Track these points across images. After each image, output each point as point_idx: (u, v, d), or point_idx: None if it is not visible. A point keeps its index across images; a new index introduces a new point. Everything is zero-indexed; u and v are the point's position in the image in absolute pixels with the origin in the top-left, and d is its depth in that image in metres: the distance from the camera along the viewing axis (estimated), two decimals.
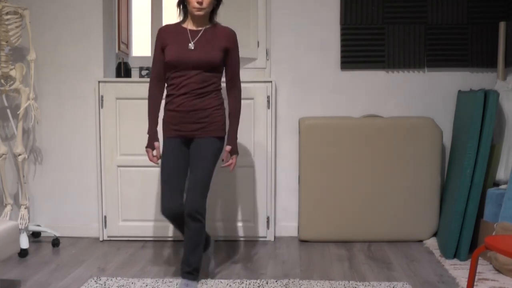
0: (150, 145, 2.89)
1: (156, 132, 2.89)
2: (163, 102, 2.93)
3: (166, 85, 2.87)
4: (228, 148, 2.87)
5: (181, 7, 2.86)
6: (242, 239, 3.84)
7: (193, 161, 2.80)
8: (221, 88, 2.88)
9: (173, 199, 2.77)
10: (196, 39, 2.79)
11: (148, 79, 3.74)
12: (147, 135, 2.90)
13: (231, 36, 2.84)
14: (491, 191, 3.36)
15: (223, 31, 2.84)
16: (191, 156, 2.82)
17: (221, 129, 2.85)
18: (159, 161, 2.86)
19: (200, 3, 2.73)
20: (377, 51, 3.90)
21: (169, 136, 2.84)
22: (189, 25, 2.84)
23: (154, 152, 2.89)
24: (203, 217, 2.78)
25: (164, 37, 2.83)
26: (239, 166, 3.77)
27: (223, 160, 2.88)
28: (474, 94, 3.39)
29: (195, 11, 2.75)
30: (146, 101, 3.69)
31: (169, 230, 3.83)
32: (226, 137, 2.92)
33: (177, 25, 2.87)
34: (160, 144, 2.89)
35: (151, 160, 2.89)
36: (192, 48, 2.76)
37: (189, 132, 2.81)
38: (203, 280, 3.00)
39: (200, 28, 2.83)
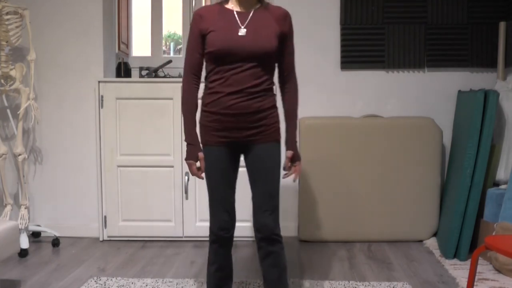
0: (193, 157, 2.29)
1: (197, 140, 2.31)
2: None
3: (207, 80, 2.32)
4: (289, 153, 2.34)
5: None
6: (242, 239, 3.84)
7: (257, 174, 2.31)
8: (274, 85, 2.36)
9: (228, 220, 2.33)
10: (246, 23, 2.25)
11: (148, 79, 3.77)
12: (186, 144, 2.32)
13: (287, 18, 2.32)
14: (491, 191, 3.36)
15: (276, 12, 2.30)
16: (252, 167, 2.34)
17: (279, 132, 2.36)
18: (203, 174, 2.33)
19: None
20: (377, 51, 3.90)
21: (212, 144, 2.30)
22: (234, 6, 2.29)
23: (198, 164, 2.32)
24: (281, 237, 2.31)
25: (205, 21, 2.26)
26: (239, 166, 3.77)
27: (284, 168, 2.37)
28: (474, 94, 3.39)
29: None
30: (146, 101, 3.74)
31: (169, 230, 3.83)
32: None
33: (219, 6, 2.30)
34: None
35: (194, 175, 2.30)
36: (244, 34, 2.22)
37: (241, 138, 2.29)
38: (202, 280, 3.00)
39: (249, 10, 2.28)
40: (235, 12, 2.27)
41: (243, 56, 2.20)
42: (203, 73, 2.34)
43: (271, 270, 2.30)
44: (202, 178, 2.33)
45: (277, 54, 2.31)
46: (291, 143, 2.35)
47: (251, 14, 2.27)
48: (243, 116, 2.24)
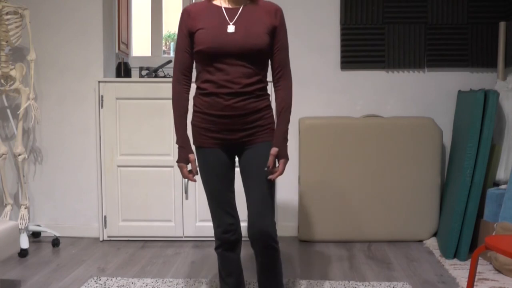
0: (183, 159, 2.24)
1: (188, 142, 2.25)
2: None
3: (197, 81, 2.24)
4: (273, 150, 2.19)
5: None
6: (242, 239, 3.83)
7: (251, 176, 2.24)
8: (268, 85, 2.31)
9: (233, 222, 2.31)
10: (235, 20, 2.16)
11: (148, 79, 3.77)
12: (177, 146, 2.29)
13: (277, 12, 2.22)
14: (491, 191, 3.36)
15: (267, 7, 2.22)
16: (245, 169, 2.26)
17: (273, 133, 2.29)
18: (196, 177, 2.27)
19: None
20: (377, 51, 3.90)
21: (206, 146, 2.24)
22: (222, 2, 2.22)
23: (189, 167, 2.32)
24: (277, 242, 2.26)
25: (192, 18, 2.19)
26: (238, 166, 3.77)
27: (267, 167, 2.20)
28: (474, 94, 3.39)
29: None
30: (146, 101, 3.74)
31: (169, 230, 3.83)
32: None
33: (207, 3, 2.23)
34: (195, 155, 2.29)
35: (186, 177, 2.24)
36: (233, 31, 2.13)
37: (235, 140, 2.23)
38: (202, 280, 3.00)
39: (238, 6, 2.20)
40: (223, 9, 2.19)
41: (233, 53, 2.12)
42: (194, 73, 2.30)
43: (266, 274, 2.30)
44: (195, 181, 2.26)
45: (269, 51, 2.21)
46: (277, 139, 2.22)
47: (240, 10, 2.19)
48: (237, 118, 2.17)
